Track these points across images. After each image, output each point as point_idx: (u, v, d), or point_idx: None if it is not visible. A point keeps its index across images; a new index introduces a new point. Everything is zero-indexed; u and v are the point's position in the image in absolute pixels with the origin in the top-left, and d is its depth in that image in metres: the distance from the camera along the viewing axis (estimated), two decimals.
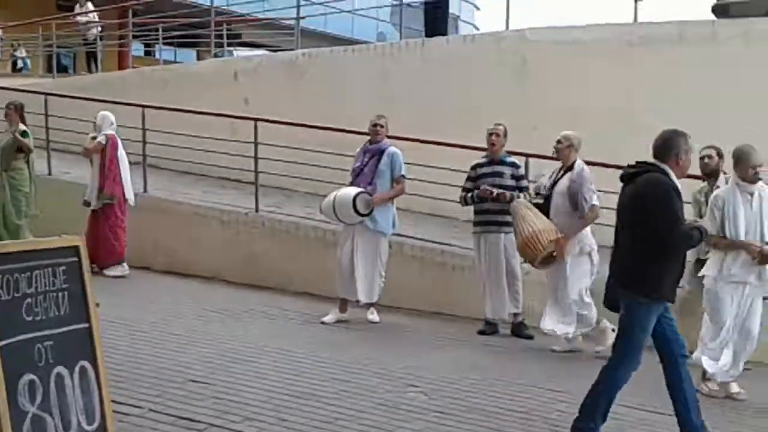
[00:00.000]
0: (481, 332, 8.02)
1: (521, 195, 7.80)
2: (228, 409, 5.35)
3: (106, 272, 9.41)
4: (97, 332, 4.08)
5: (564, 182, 7.34)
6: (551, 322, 7.43)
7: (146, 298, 8.62)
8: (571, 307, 7.35)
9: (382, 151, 8.16)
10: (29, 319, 3.81)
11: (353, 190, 7.94)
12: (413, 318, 8.55)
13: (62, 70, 20.74)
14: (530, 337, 7.88)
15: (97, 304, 4.14)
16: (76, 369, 3.96)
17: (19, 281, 3.79)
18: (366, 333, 7.84)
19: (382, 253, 8.15)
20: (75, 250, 4.11)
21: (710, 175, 7.26)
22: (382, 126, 8.20)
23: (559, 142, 7.40)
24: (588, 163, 7.52)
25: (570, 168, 7.35)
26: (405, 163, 8.34)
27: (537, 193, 7.61)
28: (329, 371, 6.37)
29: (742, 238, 6.29)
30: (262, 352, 6.76)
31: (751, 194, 6.33)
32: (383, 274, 8.16)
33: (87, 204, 9.62)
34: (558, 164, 7.56)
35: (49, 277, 3.94)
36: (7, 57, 20.28)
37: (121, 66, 18.38)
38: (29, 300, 3.83)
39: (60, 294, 3.97)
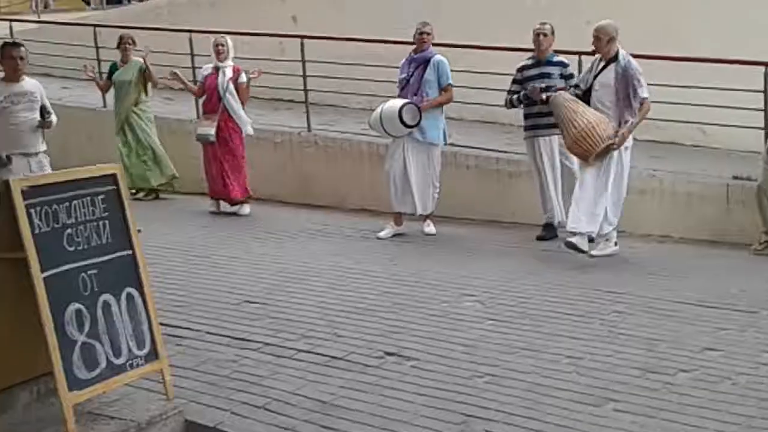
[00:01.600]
0: (540, 237, 7.91)
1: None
2: (283, 328, 5.41)
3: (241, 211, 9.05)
4: (141, 258, 4.11)
5: (609, 74, 6.95)
6: (588, 223, 7.01)
7: (201, 223, 8.72)
8: (616, 203, 7.09)
9: (427, 60, 7.98)
10: (71, 249, 3.85)
11: (399, 102, 7.83)
12: (470, 228, 8.48)
13: (118, 0, 20.67)
14: (591, 240, 7.73)
15: (139, 231, 4.16)
16: (123, 296, 4.01)
17: (58, 212, 3.82)
18: (422, 245, 7.80)
19: (434, 163, 8.05)
20: (113, 178, 4.12)
21: None
22: (428, 33, 8.01)
23: (597, 38, 6.95)
24: (637, 55, 7.23)
25: (614, 59, 6.97)
26: (454, 71, 8.17)
27: (576, 86, 7.25)
28: (384, 285, 6.38)
29: None
30: (317, 270, 6.80)
31: None
32: (437, 185, 8.08)
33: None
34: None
35: (88, 206, 3.96)
36: None
37: None
38: (70, 230, 3.86)
39: (100, 222, 4.00)
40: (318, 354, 4.99)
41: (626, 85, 6.89)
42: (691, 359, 4.84)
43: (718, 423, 4.08)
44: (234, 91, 8.92)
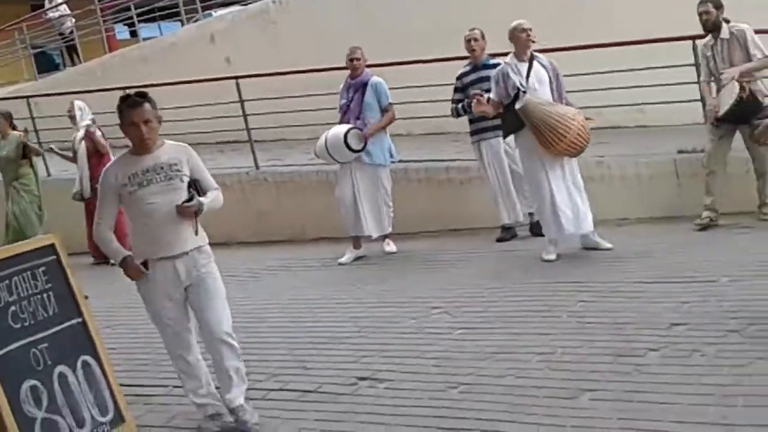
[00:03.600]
0: (500, 239, 7.93)
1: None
2: (251, 369, 5.28)
3: None
4: (92, 324, 4.05)
5: (541, 72, 6.89)
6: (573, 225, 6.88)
7: None
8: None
9: (365, 84, 7.99)
10: (17, 326, 3.78)
11: (343, 128, 7.83)
12: (430, 240, 8.46)
13: (54, 68, 20.49)
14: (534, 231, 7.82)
15: (86, 297, 4.09)
16: (78, 365, 3.94)
17: None
18: (384, 265, 7.77)
19: (384, 183, 8.05)
20: (51, 248, 4.06)
21: (712, 29, 7.04)
22: (358, 58, 8.02)
23: (528, 35, 6.89)
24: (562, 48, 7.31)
25: (531, 58, 6.93)
26: (394, 89, 8.20)
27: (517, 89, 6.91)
28: (350, 311, 6.34)
29: None
30: (282, 306, 6.75)
31: None
32: (390, 204, 8.07)
33: (81, 197, 9.54)
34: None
35: (29, 280, 3.90)
36: None
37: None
38: (13, 308, 3.80)
39: (45, 295, 3.94)
40: (290, 390, 4.94)
41: (558, 81, 6.93)
42: (660, 337, 4.86)
43: (692, 396, 4.09)
44: (83, 154, 9.39)
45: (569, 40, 8.29)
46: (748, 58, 6.93)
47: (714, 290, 5.48)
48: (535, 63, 6.93)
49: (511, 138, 7.48)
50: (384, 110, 8.02)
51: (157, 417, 4.76)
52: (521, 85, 6.82)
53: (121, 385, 4.88)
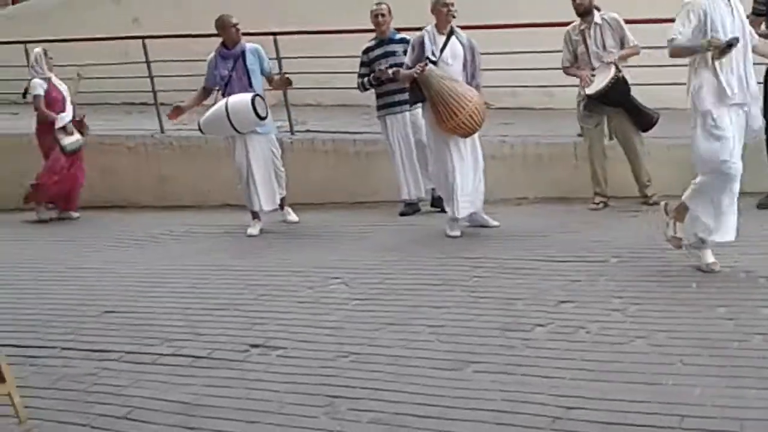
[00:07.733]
0: (403, 214, 8.00)
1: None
2: (145, 334, 5.28)
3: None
4: None
5: (457, 47, 6.91)
6: (471, 205, 7.00)
7: (58, 236, 8.40)
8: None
9: (242, 51, 7.75)
10: None
11: (246, 95, 7.56)
12: (334, 212, 8.47)
13: None
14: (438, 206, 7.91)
15: None
16: None
17: None
18: (286, 235, 7.73)
19: (275, 151, 7.89)
20: None
21: (584, 14, 7.34)
22: (237, 28, 7.78)
23: (451, 4, 6.89)
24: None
25: (451, 33, 6.96)
26: (306, 57, 8.13)
27: (427, 58, 6.88)
28: (248, 278, 6.33)
29: None
30: (181, 271, 6.68)
31: None
32: (282, 168, 7.92)
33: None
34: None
35: None
36: None
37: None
38: None
39: None
40: (181, 356, 4.90)
41: (473, 59, 6.96)
42: (547, 314, 5.00)
43: (573, 371, 4.22)
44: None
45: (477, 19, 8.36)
46: (621, 44, 7.29)
47: (603, 270, 5.67)
48: (453, 38, 6.96)
49: (419, 110, 7.62)
50: (269, 79, 7.89)
51: (42, 378, 4.66)
52: (433, 54, 6.86)
53: (6, 345, 4.82)
